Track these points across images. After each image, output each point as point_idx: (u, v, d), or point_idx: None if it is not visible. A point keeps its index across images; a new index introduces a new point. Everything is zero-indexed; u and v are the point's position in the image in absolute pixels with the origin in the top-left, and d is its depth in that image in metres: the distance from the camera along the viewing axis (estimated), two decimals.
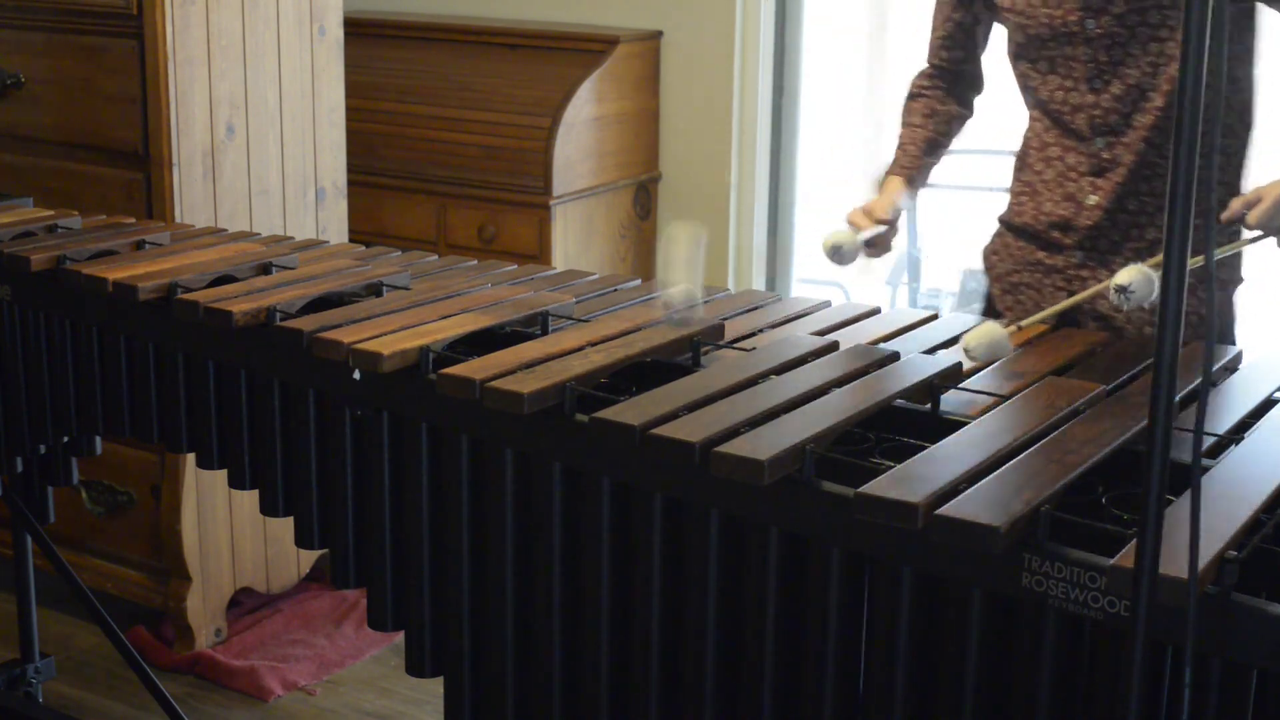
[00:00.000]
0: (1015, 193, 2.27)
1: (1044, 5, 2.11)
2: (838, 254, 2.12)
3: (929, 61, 2.39)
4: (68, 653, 3.25)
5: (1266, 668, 1.20)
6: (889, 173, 2.33)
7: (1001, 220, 2.30)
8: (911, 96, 2.39)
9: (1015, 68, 2.23)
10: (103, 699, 3.13)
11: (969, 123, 2.40)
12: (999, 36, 2.28)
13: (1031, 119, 2.24)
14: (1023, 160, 2.26)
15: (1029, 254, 2.23)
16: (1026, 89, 2.22)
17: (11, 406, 2.39)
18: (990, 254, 2.31)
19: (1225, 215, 1.93)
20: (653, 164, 4.03)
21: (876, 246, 2.19)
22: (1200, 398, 1.15)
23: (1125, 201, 2.11)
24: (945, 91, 2.36)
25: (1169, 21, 2.04)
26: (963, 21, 2.31)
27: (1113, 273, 1.81)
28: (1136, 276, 1.75)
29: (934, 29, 2.36)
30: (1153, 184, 2.09)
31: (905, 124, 2.38)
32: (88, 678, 3.20)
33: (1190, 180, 1.08)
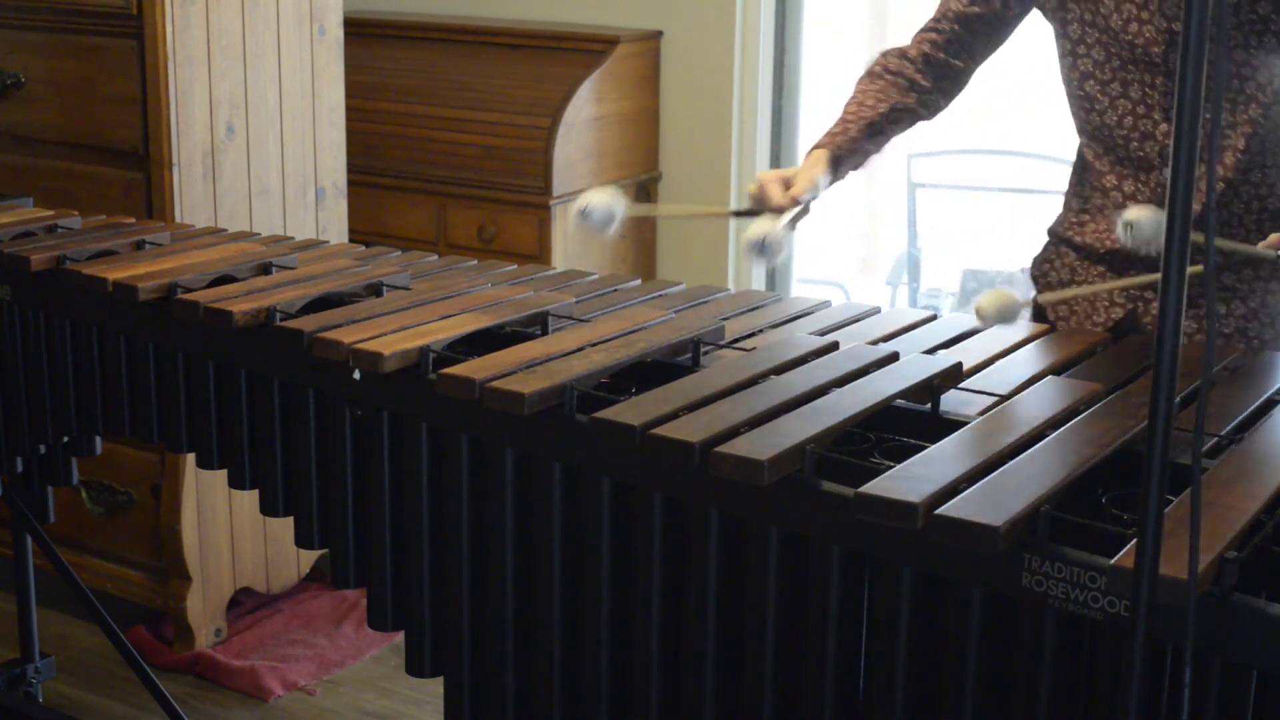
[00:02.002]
0: (1075, 209, 2.14)
1: (1125, 32, 1.96)
2: (762, 249, 1.91)
3: (917, 47, 2.13)
4: (68, 653, 3.25)
5: (1266, 668, 1.20)
6: (819, 144, 2.10)
7: (1057, 234, 2.18)
8: (874, 74, 2.13)
9: (1078, 88, 2.06)
10: (103, 699, 3.13)
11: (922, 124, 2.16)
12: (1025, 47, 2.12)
13: (1082, 145, 2.11)
14: (1080, 180, 2.13)
15: (1089, 269, 2.12)
16: (1088, 112, 2.06)
17: (11, 406, 2.39)
18: (1043, 263, 2.19)
19: (1264, 244, 1.87)
20: (653, 164, 4.03)
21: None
22: (1200, 398, 1.15)
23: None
24: (914, 87, 2.12)
25: (1253, 60, 1.93)
26: (985, 14, 2.09)
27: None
28: (1148, 214, 1.77)
29: (943, 9, 2.12)
30: (1226, 220, 1.99)
31: (856, 100, 2.12)
32: (88, 678, 3.20)
33: (1190, 182, 1.08)
